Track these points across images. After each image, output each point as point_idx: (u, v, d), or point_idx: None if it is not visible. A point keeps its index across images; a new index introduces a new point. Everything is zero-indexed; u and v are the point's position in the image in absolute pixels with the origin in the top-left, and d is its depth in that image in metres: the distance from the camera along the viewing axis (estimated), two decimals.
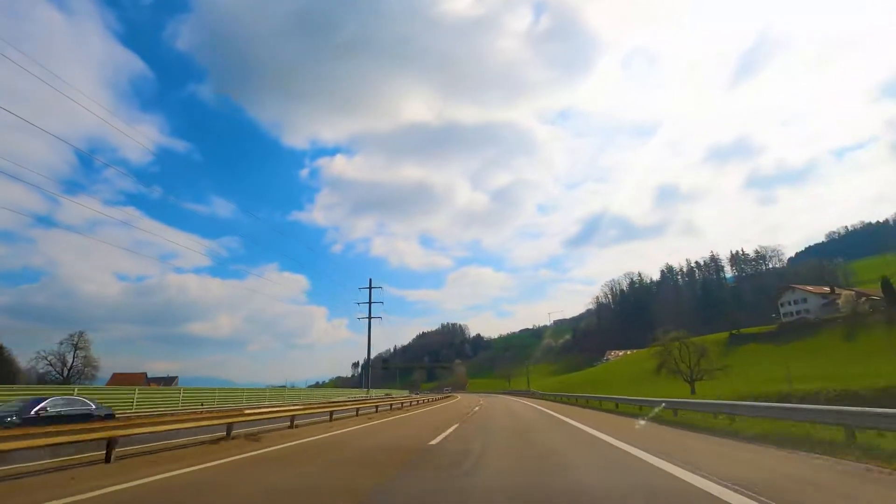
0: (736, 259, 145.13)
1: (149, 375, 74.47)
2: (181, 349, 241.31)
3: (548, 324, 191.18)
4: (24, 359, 55.87)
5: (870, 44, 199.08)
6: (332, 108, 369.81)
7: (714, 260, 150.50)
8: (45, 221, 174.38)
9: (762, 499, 4.41)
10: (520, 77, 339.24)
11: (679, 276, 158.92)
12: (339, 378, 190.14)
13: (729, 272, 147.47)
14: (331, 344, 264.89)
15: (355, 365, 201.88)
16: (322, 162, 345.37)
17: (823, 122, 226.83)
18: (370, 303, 43.60)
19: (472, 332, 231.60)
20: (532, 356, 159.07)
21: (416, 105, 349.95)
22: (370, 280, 45.25)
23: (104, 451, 7.42)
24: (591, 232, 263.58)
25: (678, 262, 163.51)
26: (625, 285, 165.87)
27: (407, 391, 72.30)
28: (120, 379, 63.04)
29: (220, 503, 4.97)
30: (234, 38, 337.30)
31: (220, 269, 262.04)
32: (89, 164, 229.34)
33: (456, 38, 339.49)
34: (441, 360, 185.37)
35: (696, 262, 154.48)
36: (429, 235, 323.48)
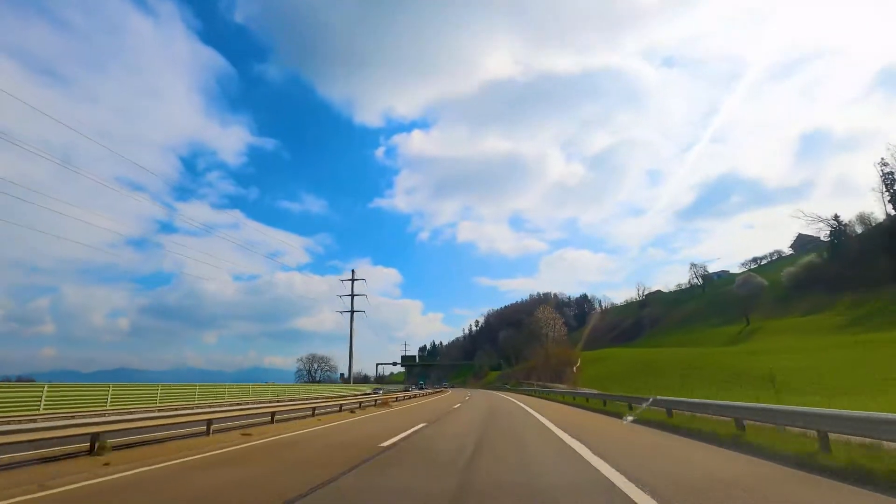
0: None
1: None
2: (292, 344, 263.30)
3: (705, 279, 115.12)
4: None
5: None
6: (403, 73, 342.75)
7: None
8: (168, 227, 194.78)
9: None
10: (624, 3, 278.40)
11: None
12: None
13: None
14: (425, 337, 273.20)
15: (422, 348, 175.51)
16: (398, 139, 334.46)
17: None
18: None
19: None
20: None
21: (499, 57, 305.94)
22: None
23: None
24: (709, 200, 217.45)
25: None
26: None
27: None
28: None
29: None
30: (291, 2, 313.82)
31: (318, 265, 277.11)
32: (193, 168, 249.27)
33: None
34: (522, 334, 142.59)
35: None
36: (519, 216, 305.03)
